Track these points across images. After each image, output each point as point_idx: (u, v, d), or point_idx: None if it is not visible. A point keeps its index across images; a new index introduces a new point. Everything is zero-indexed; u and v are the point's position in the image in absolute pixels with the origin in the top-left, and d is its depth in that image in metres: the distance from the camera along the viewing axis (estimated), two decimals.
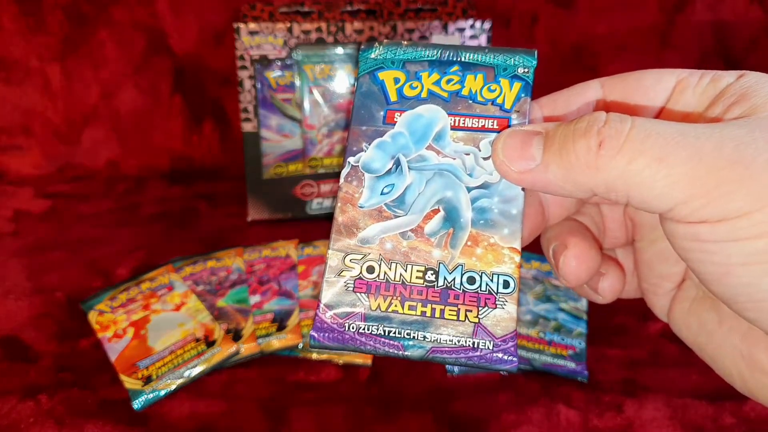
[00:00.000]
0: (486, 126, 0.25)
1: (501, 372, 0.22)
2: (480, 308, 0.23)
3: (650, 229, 0.27)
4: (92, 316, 0.46)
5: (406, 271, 0.23)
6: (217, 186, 0.68)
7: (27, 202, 0.65)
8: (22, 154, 0.69)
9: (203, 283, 0.49)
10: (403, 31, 0.57)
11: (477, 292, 0.23)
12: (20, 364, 0.44)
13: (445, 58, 0.26)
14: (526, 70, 0.26)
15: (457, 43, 0.58)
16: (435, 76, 0.26)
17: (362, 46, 0.27)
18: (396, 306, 0.23)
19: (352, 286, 0.23)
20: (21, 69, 0.67)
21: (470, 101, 0.25)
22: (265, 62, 0.57)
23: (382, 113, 0.26)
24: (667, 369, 0.43)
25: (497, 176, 0.24)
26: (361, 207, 0.24)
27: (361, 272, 0.23)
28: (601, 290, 0.28)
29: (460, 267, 0.23)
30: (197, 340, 0.44)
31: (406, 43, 0.27)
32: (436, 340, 0.22)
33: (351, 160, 0.25)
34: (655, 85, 0.25)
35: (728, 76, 0.23)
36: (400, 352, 0.22)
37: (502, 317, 0.23)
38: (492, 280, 0.23)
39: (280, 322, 0.46)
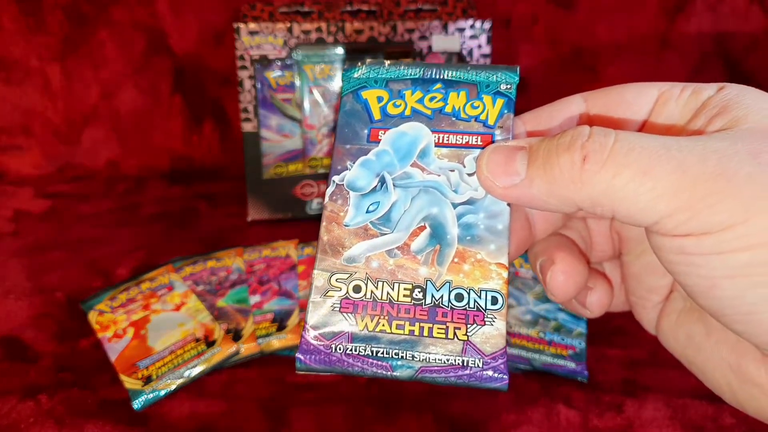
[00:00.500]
0: (470, 142, 0.25)
1: (492, 389, 0.22)
2: (468, 325, 0.22)
3: (637, 243, 0.27)
4: (92, 316, 0.46)
5: (393, 289, 0.23)
6: (217, 186, 0.68)
7: (27, 202, 0.65)
8: (22, 154, 0.69)
9: (203, 283, 0.49)
10: (403, 31, 0.57)
11: (465, 309, 0.23)
12: (20, 364, 0.44)
13: (428, 77, 0.26)
14: (508, 86, 0.26)
15: (457, 43, 0.58)
16: (418, 94, 0.26)
17: (345, 66, 0.27)
18: (383, 325, 0.23)
19: (339, 306, 0.23)
20: (21, 69, 0.67)
21: (453, 118, 0.26)
22: (265, 62, 0.57)
23: (366, 131, 0.26)
24: (667, 369, 0.43)
25: (482, 192, 0.24)
26: (346, 226, 0.24)
27: (347, 292, 0.23)
28: (588, 304, 0.28)
29: (448, 284, 0.23)
30: (197, 340, 0.44)
31: (388, 63, 0.27)
32: (425, 359, 0.22)
33: (335, 178, 0.25)
34: (638, 98, 0.25)
35: (709, 89, 0.23)
36: (389, 373, 0.22)
37: (491, 334, 0.22)
38: (480, 297, 0.23)
39: (280, 322, 0.46)
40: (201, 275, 0.50)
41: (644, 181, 0.20)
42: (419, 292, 0.23)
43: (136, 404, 0.40)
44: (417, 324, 0.23)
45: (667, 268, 0.21)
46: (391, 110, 0.26)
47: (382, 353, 0.22)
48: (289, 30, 0.56)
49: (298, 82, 0.58)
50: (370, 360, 0.22)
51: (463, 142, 0.25)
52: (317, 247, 0.24)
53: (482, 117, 0.25)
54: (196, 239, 0.58)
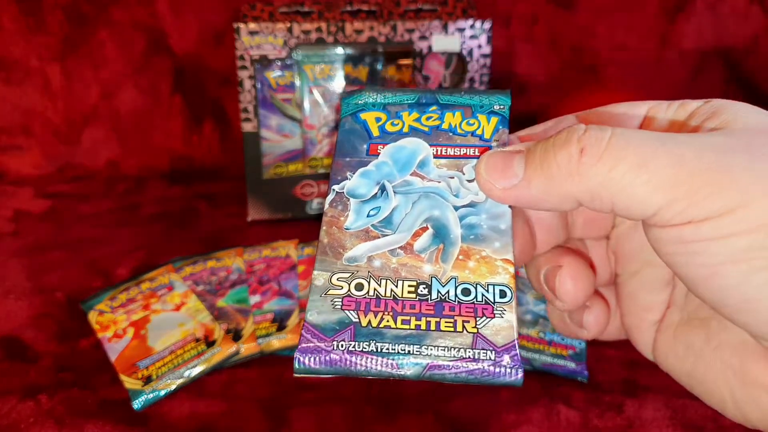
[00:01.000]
0: (468, 153, 0.25)
1: (506, 385, 0.21)
2: (478, 318, 0.22)
3: (632, 260, 0.27)
4: (92, 316, 0.46)
5: (397, 286, 0.22)
6: (217, 186, 0.68)
7: (27, 202, 0.65)
8: (22, 154, 0.69)
9: (203, 283, 0.49)
10: (403, 31, 0.57)
11: (473, 303, 0.22)
12: (20, 364, 0.44)
13: (424, 101, 0.27)
14: (501, 107, 0.27)
15: (457, 43, 0.58)
16: (415, 115, 0.27)
17: (344, 95, 0.28)
18: (388, 321, 0.22)
19: (340, 303, 0.22)
20: (21, 69, 0.67)
21: (451, 134, 0.26)
22: (265, 62, 0.57)
23: (365, 146, 0.26)
24: None
25: (483, 196, 0.24)
26: (347, 229, 0.24)
27: (349, 290, 0.22)
28: (585, 323, 0.28)
29: (454, 279, 0.23)
30: (197, 340, 0.44)
31: (385, 90, 0.28)
32: (433, 353, 0.21)
33: (336, 187, 0.25)
34: (628, 113, 0.26)
35: (696, 102, 0.24)
36: (395, 371, 0.21)
37: (502, 326, 0.21)
38: (488, 291, 0.22)
39: (280, 322, 0.46)
40: (201, 275, 0.50)
41: (641, 173, 0.20)
42: (424, 288, 0.22)
43: (136, 404, 0.40)
44: (423, 318, 0.22)
45: (667, 261, 0.22)
46: (390, 128, 0.27)
47: (387, 349, 0.21)
48: (289, 30, 0.56)
49: (298, 82, 0.58)
50: (375, 357, 0.21)
51: (461, 154, 0.26)
52: (317, 250, 0.24)
53: (478, 132, 0.26)
54: (196, 239, 0.58)
